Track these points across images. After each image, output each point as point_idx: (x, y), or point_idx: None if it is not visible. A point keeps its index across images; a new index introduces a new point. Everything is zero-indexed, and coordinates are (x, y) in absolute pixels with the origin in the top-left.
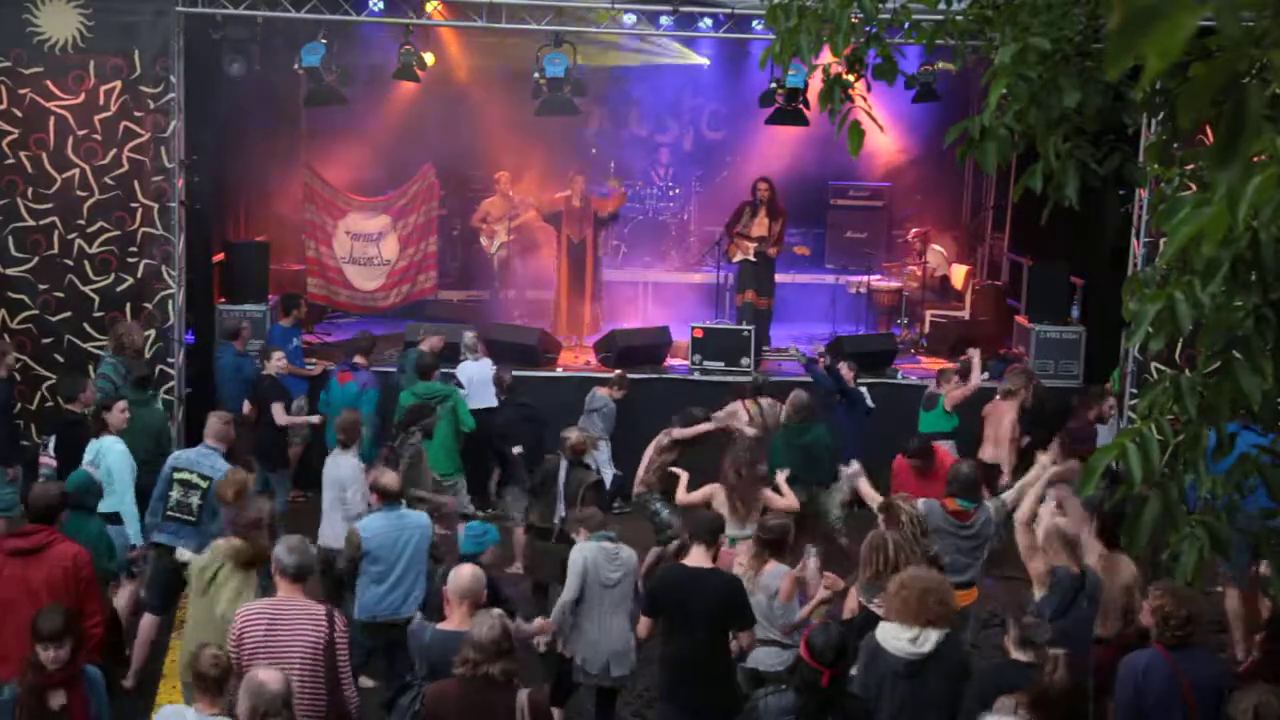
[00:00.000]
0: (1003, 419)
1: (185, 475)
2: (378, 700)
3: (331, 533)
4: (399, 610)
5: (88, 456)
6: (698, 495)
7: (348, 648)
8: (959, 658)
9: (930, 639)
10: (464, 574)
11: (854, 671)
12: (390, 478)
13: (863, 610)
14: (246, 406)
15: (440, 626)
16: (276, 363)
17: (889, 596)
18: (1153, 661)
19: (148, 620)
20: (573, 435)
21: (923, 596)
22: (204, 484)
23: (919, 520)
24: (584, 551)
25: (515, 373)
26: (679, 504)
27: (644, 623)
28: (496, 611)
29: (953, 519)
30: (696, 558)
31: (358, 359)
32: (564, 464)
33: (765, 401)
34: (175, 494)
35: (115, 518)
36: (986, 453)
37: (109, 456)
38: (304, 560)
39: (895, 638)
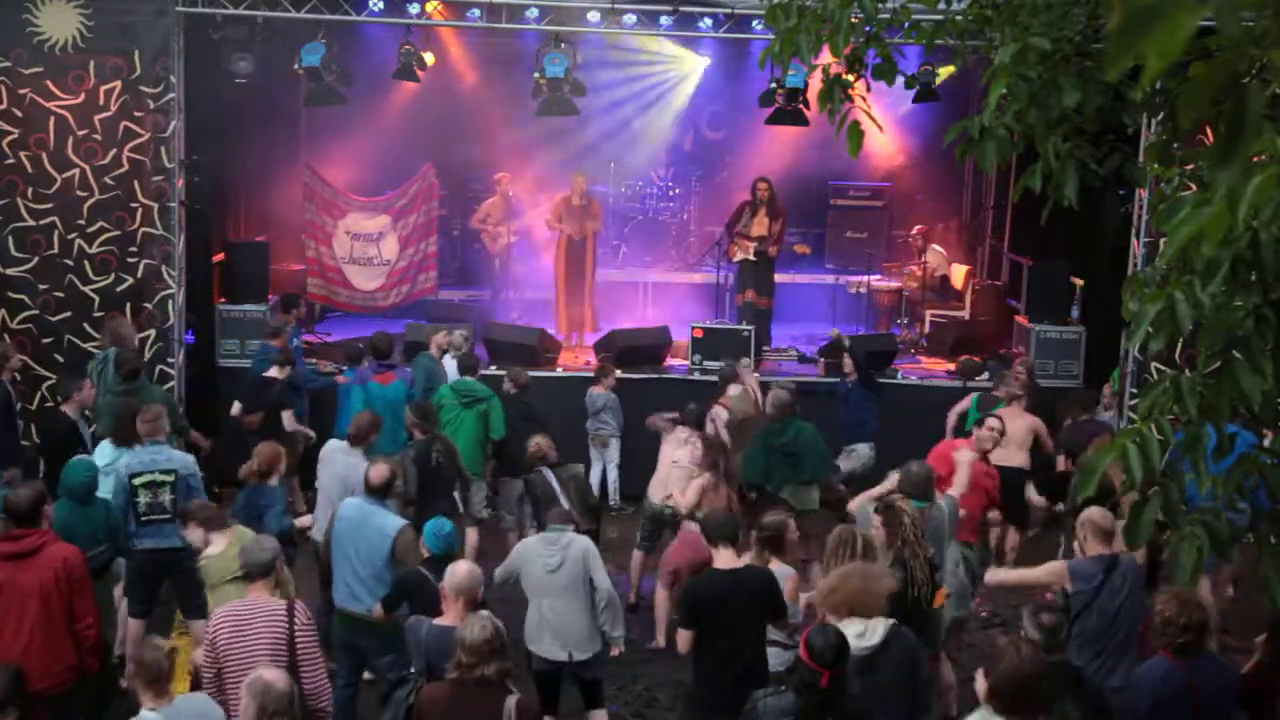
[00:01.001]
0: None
1: (147, 478)
2: (375, 698)
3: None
4: (347, 602)
5: (104, 459)
6: (692, 496)
7: (313, 641)
8: (909, 646)
9: (877, 631)
10: (460, 571)
11: None
12: (378, 470)
13: None
14: (236, 408)
15: (437, 622)
16: (284, 370)
17: (826, 596)
18: (1169, 673)
19: (133, 623)
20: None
21: (861, 589)
22: (170, 478)
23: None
24: (519, 549)
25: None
26: (686, 509)
27: (684, 635)
28: (485, 613)
29: None
30: (725, 560)
31: (390, 360)
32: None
33: (734, 392)
34: (143, 499)
35: None
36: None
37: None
38: (251, 559)
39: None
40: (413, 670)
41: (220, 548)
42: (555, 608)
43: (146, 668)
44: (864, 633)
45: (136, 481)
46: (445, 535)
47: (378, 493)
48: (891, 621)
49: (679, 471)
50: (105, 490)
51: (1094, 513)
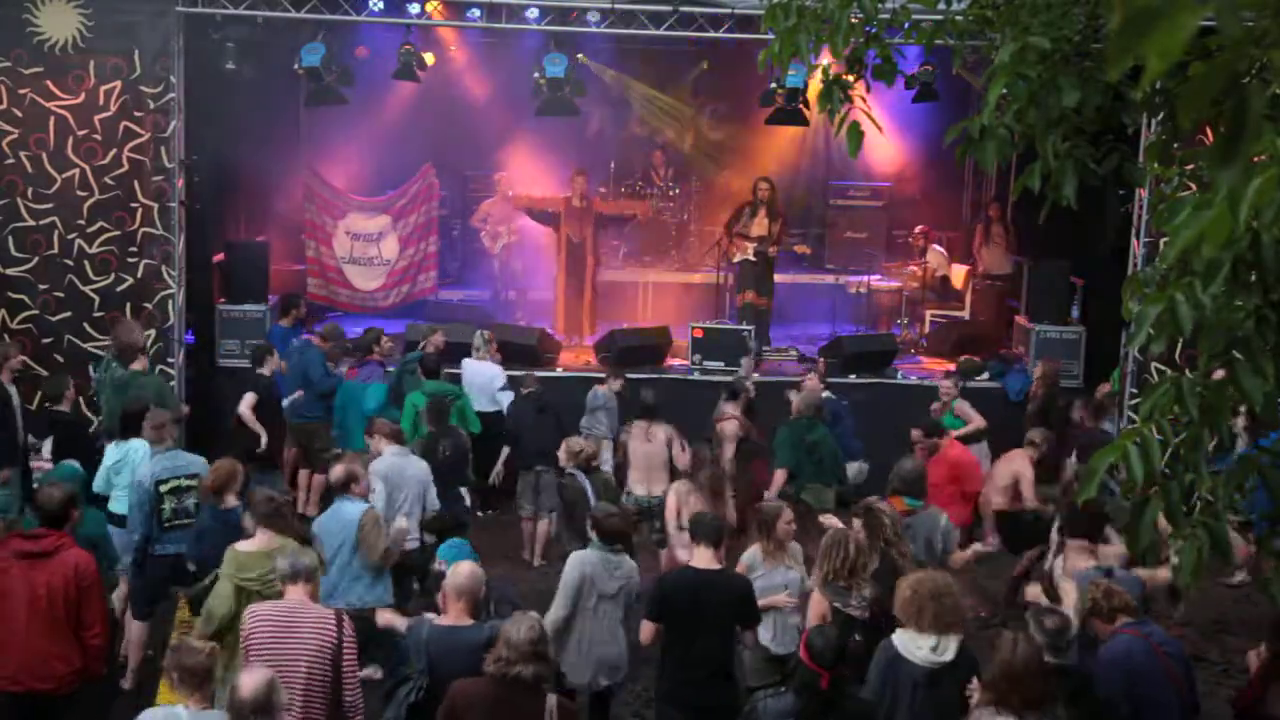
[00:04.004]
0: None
1: (173, 484)
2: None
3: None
4: (345, 598)
5: (113, 457)
6: (672, 508)
7: (355, 653)
8: (972, 665)
9: (950, 647)
10: (462, 571)
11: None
12: (338, 471)
13: (837, 614)
14: (247, 404)
15: (438, 622)
16: (273, 363)
17: (901, 603)
18: (1133, 645)
19: (137, 626)
20: (575, 444)
21: (938, 601)
22: (194, 483)
23: (899, 522)
24: (583, 563)
25: (513, 372)
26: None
27: (648, 627)
28: (533, 614)
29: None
30: (704, 559)
31: (367, 354)
32: (585, 480)
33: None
34: (168, 504)
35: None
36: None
37: (136, 458)
38: (297, 562)
39: (916, 646)
40: (415, 669)
41: (258, 545)
42: (600, 636)
43: (191, 671)
44: (937, 647)
45: (163, 488)
46: (464, 552)
47: (341, 489)
48: (961, 638)
49: (657, 462)
50: (121, 487)
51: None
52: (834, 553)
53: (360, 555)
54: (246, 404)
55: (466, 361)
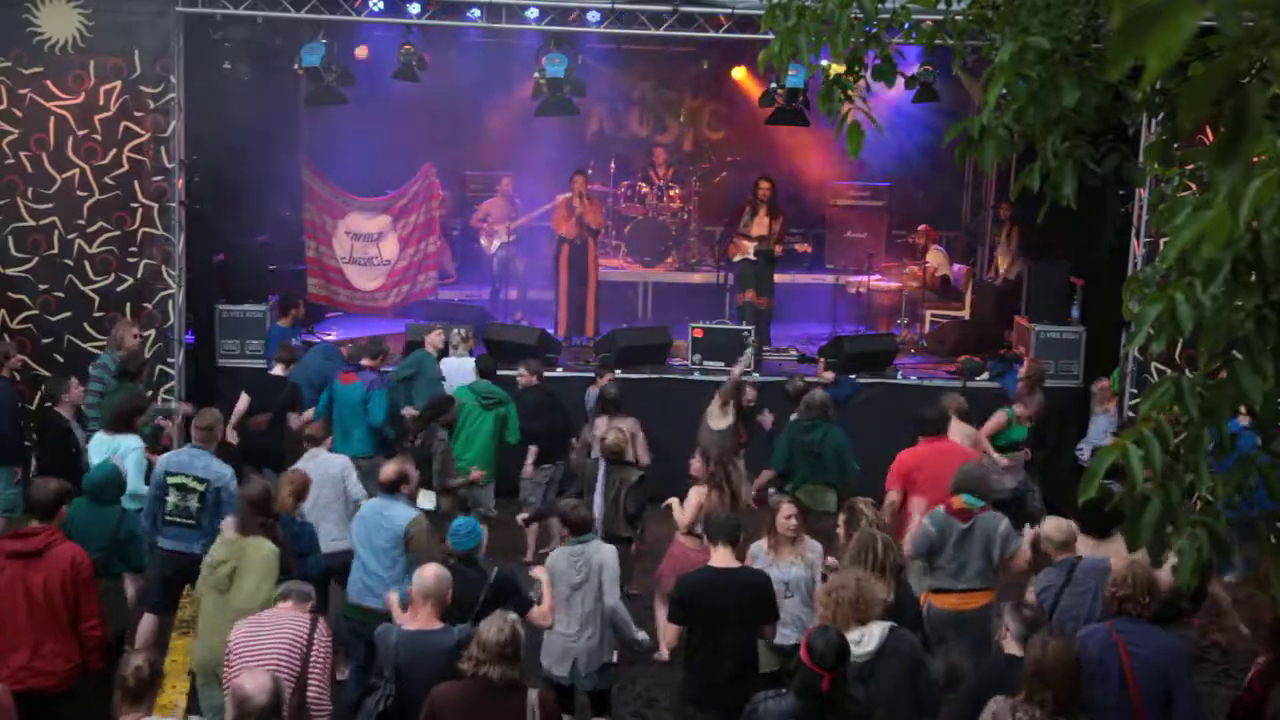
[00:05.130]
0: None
1: (180, 479)
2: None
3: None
4: (364, 598)
5: (102, 452)
6: (690, 510)
7: (327, 655)
8: (909, 650)
9: (873, 636)
10: (428, 574)
11: None
12: (389, 469)
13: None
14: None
15: (405, 627)
16: (288, 368)
17: (820, 607)
18: (1095, 632)
19: (148, 619)
20: (610, 435)
21: (849, 595)
22: (200, 487)
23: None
24: (552, 563)
25: (508, 371)
26: (685, 529)
27: (672, 630)
28: (512, 616)
29: (954, 518)
30: (722, 559)
31: (365, 360)
32: (603, 465)
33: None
34: (172, 499)
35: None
36: None
37: (130, 456)
38: (297, 588)
39: None
40: (383, 677)
41: (224, 537)
42: (575, 625)
43: (123, 681)
44: (860, 640)
45: (170, 481)
46: (468, 533)
47: (390, 489)
48: (889, 625)
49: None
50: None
51: (1048, 527)
52: (863, 554)
53: (405, 560)
54: (296, 420)
55: (445, 360)
